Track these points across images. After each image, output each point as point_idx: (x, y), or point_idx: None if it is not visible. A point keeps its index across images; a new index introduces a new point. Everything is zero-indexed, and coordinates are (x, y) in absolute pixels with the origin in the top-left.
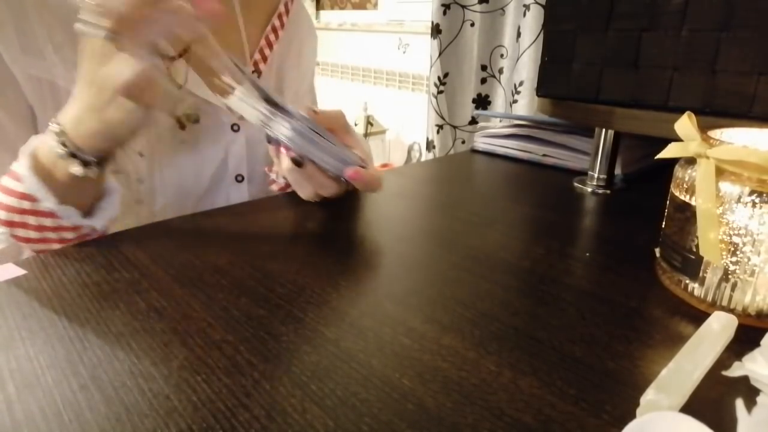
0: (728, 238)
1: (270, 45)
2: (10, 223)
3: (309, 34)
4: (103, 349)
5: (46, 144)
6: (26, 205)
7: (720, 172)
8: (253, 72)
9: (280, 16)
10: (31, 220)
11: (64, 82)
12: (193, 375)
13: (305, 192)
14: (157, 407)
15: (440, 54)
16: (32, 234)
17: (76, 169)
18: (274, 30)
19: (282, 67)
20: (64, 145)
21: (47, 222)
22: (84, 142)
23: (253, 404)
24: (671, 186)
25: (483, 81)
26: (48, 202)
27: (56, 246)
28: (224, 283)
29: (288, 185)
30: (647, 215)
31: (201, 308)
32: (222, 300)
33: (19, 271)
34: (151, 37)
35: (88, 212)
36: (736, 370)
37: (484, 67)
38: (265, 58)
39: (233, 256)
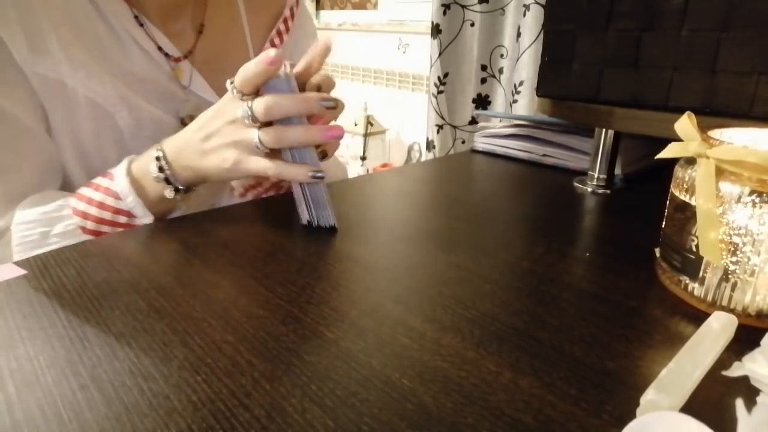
0: (728, 238)
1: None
2: (97, 233)
3: (313, 38)
4: (103, 349)
5: (143, 165)
6: (122, 219)
7: (720, 172)
8: None
9: (285, 21)
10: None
11: (71, 81)
12: (193, 375)
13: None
14: (157, 407)
15: (440, 54)
16: None
17: (168, 192)
18: (279, 34)
19: None
20: (161, 170)
21: (105, 236)
22: (180, 172)
23: (253, 404)
24: (671, 186)
25: (483, 81)
26: (146, 219)
27: None
28: (224, 283)
29: (252, 186)
30: (647, 215)
31: (201, 308)
32: (222, 300)
33: (19, 271)
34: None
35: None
36: (736, 370)
37: (484, 67)
38: None
39: (233, 256)
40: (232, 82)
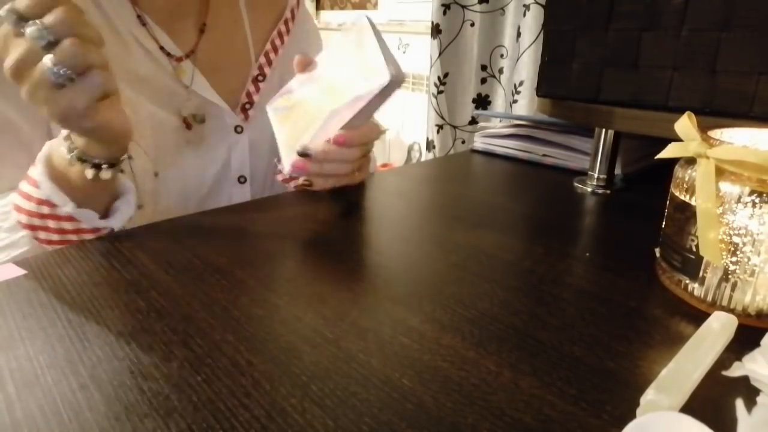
0: (728, 238)
1: (275, 50)
2: (31, 227)
3: (315, 38)
4: (103, 349)
5: (58, 149)
6: (45, 210)
7: (720, 172)
8: (258, 75)
9: (286, 22)
10: (51, 223)
11: None
12: (193, 375)
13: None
14: (157, 407)
15: (440, 54)
16: (54, 236)
17: (88, 172)
18: (280, 35)
19: (287, 72)
20: (70, 150)
21: (67, 225)
22: (85, 147)
23: (253, 404)
24: (671, 186)
25: (483, 81)
26: (67, 207)
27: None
28: (224, 283)
29: (292, 178)
30: (647, 215)
31: (201, 308)
32: (222, 300)
33: (19, 271)
34: None
35: (105, 213)
36: (736, 370)
37: (484, 67)
38: (270, 62)
39: (233, 256)
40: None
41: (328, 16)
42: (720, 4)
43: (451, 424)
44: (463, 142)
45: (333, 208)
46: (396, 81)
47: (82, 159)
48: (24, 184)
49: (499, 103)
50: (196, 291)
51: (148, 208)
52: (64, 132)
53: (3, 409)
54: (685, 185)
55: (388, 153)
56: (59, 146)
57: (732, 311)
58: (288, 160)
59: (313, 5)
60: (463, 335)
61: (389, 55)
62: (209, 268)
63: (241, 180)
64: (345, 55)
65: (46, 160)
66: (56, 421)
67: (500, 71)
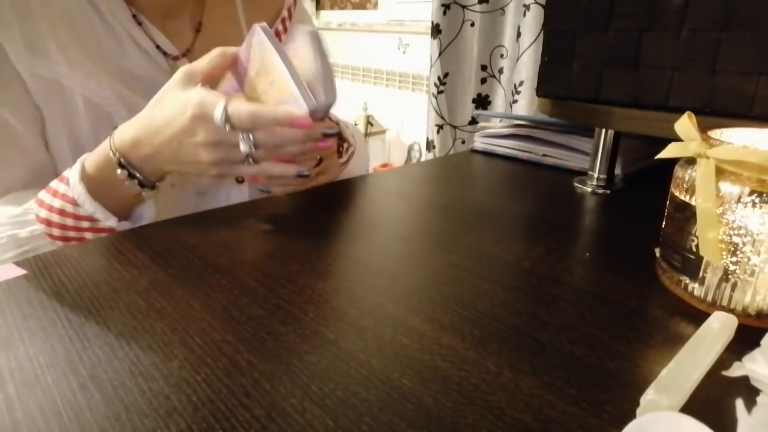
0: (728, 238)
1: None
2: (65, 239)
3: None
4: (103, 349)
5: (100, 166)
6: (86, 225)
7: (720, 172)
8: None
9: (283, 21)
10: (89, 235)
11: (68, 82)
12: (193, 375)
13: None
14: (157, 407)
15: (440, 54)
16: (86, 236)
17: (138, 191)
18: (277, 34)
19: None
20: (131, 176)
21: (101, 233)
22: (147, 172)
23: (253, 404)
24: (671, 186)
25: (483, 81)
26: (110, 222)
27: None
28: (224, 283)
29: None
30: (647, 215)
31: (201, 308)
32: (222, 300)
33: (19, 271)
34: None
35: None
36: (736, 370)
37: (484, 67)
38: None
39: (233, 256)
40: (226, 118)
41: (328, 16)
42: (720, 4)
43: (451, 424)
44: (463, 142)
45: (333, 208)
46: (320, 108)
47: (142, 184)
48: (51, 198)
49: (499, 103)
50: (196, 291)
51: None
52: (111, 155)
53: (3, 409)
54: (685, 185)
55: (388, 153)
56: (104, 165)
57: (732, 311)
58: None
59: (313, 5)
60: (463, 335)
61: (298, 77)
62: (209, 268)
63: (239, 179)
64: (261, 75)
65: (82, 178)
66: (56, 421)
67: (500, 71)
